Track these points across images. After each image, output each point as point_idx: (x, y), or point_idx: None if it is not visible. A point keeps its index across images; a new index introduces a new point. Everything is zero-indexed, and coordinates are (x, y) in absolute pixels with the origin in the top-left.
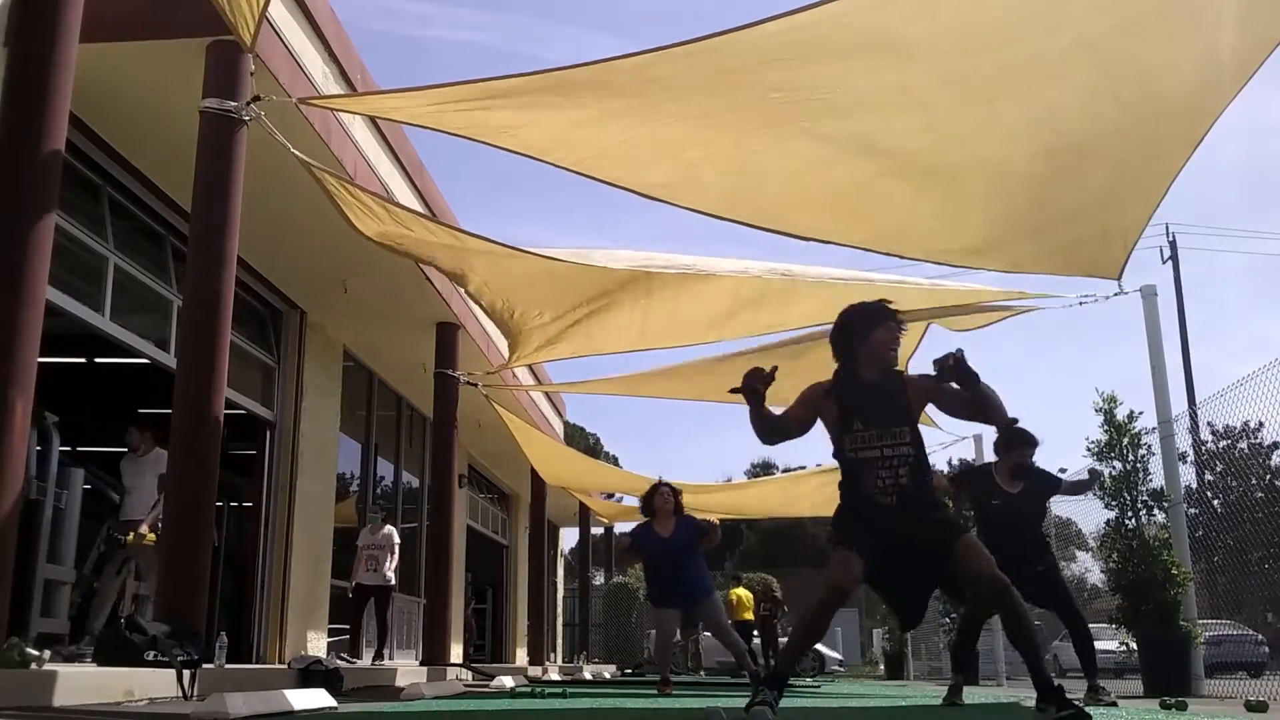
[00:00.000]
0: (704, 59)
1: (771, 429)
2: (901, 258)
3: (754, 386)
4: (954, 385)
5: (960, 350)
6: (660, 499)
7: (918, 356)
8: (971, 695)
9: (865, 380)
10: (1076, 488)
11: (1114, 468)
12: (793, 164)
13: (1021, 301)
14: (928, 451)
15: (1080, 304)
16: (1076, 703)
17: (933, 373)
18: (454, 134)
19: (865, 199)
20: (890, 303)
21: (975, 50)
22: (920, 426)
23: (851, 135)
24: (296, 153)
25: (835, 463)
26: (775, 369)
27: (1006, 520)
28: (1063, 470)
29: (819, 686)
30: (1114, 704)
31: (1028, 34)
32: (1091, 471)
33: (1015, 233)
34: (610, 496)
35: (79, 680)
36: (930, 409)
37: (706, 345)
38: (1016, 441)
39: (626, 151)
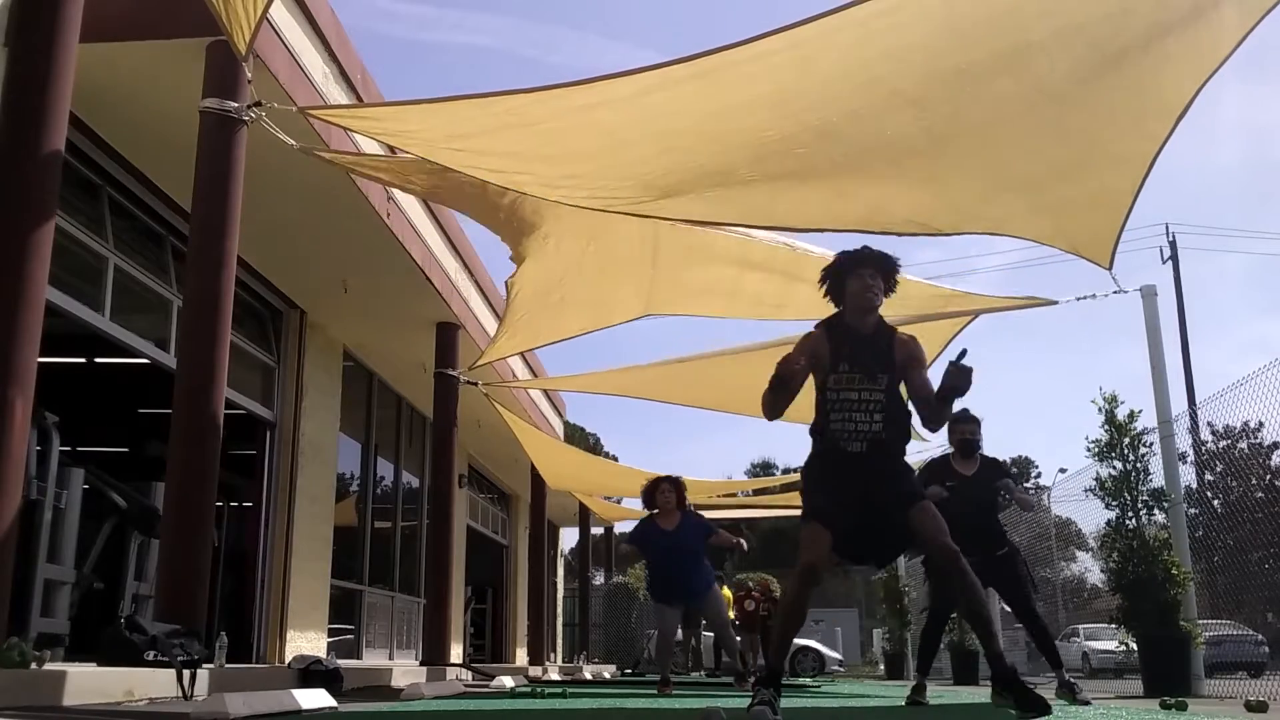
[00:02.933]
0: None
1: (785, 395)
2: (899, 235)
3: (785, 373)
4: (932, 379)
5: (964, 358)
6: (662, 496)
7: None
8: (969, 695)
9: (855, 328)
10: (1023, 503)
11: (1114, 467)
12: (782, 181)
13: (1024, 302)
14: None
15: (1079, 300)
16: (1040, 692)
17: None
18: (447, 167)
19: (859, 191)
20: (870, 249)
21: (972, 46)
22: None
23: (844, 150)
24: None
25: None
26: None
27: (961, 501)
28: (1063, 470)
29: (819, 686)
30: (1087, 702)
31: (1023, 20)
32: (1021, 501)
33: (1004, 188)
34: (609, 498)
35: (79, 680)
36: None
37: (710, 318)
38: (959, 419)
39: (617, 204)
